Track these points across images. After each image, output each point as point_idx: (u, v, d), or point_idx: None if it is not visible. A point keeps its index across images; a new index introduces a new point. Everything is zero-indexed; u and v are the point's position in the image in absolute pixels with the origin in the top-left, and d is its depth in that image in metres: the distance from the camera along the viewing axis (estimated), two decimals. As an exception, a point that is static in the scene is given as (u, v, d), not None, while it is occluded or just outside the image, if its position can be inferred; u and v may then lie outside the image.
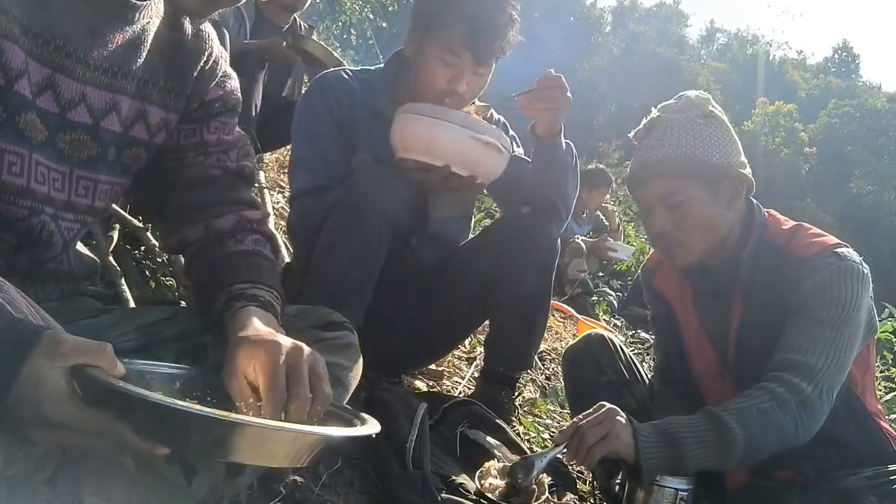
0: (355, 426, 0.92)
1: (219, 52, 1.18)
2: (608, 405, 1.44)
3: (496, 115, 2.05)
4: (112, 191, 1.09)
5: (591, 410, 1.44)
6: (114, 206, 2.06)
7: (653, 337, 1.90)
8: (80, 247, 1.17)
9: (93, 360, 0.72)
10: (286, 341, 0.92)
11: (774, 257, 1.53)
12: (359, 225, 1.68)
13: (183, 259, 1.22)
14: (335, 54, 3.31)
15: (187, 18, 1.11)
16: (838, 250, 1.49)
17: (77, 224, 1.06)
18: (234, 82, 1.22)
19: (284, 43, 3.16)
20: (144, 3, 1.00)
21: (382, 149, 1.77)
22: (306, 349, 0.92)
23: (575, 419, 1.45)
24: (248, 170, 1.22)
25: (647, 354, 3.74)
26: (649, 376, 1.85)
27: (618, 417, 1.40)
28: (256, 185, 1.36)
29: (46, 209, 0.99)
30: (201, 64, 1.14)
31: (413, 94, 1.82)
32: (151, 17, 1.04)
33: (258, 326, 0.97)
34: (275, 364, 0.87)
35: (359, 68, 1.98)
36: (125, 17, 0.99)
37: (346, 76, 1.91)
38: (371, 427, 0.89)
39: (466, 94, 1.80)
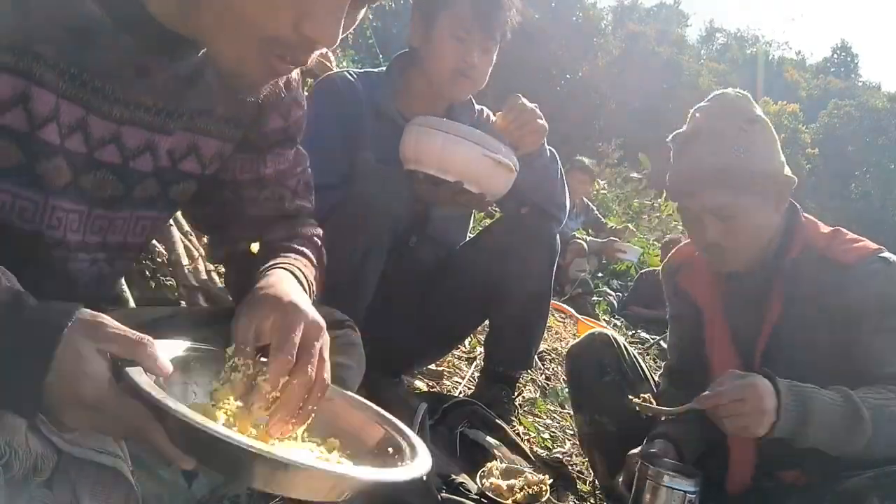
0: (403, 454, 0.86)
1: (290, 76, 1.10)
2: (756, 384, 1.32)
3: (486, 112, 2.06)
4: (152, 225, 1.05)
5: (741, 388, 1.33)
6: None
7: (668, 336, 1.85)
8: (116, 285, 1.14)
9: (130, 353, 0.70)
10: (310, 311, 0.88)
11: (816, 263, 1.50)
12: (361, 225, 1.68)
13: (227, 265, 1.22)
14: (331, 65, 3.32)
15: None
16: (883, 255, 1.46)
17: (107, 262, 1.01)
18: (300, 110, 1.14)
19: None
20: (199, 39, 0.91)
21: (386, 149, 1.77)
22: (324, 330, 0.88)
23: (719, 392, 1.35)
24: (306, 210, 1.19)
25: (647, 354, 3.73)
26: (656, 376, 1.84)
27: (765, 411, 1.30)
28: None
29: (66, 253, 0.95)
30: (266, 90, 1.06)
31: (424, 85, 1.86)
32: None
33: (285, 285, 0.93)
34: (292, 327, 0.84)
35: (362, 70, 1.98)
36: (178, 55, 0.91)
37: (350, 77, 1.92)
38: (420, 464, 0.84)
39: (478, 69, 1.85)
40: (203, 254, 2.04)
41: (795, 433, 1.32)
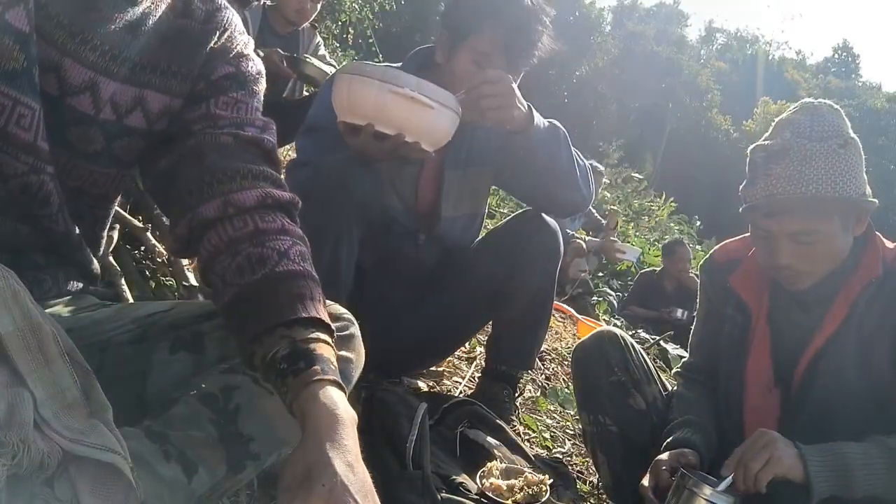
0: None
1: (234, 32, 1.09)
2: (766, 431, 1.39)
3: None
4: (90, 177, 1.03)
5: (750, 439, 1.39)
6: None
7: (693, 333, 1.81)
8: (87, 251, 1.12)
9: None
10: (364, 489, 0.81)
11: (886, 280, 1.47)
12: (325, 214, 1.64)
13: (198, 253, 1.01)
14: (329, 70, 3.32)
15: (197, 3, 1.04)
16: None
17: (74, 187, 1.01)
18: (255, 65, 1.10)
19: (284, 62, 3.19)
20: None
21: None
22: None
23: (736, 450, 1.40)
24: (267, 143, 1.08)
25: (648, 354, 3.73)
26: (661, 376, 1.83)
27: (778, 441, 1.35)
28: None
29: (48, 168, 0.95)
30: (211, 44, 1.06)
31: None
32: (156, 2, 0.99)
33: (336, 450, 0.83)
34: None
35: (383, 63, 1.93)
36: (131, 1, 0.94)
37: None
38: None
39: None
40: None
41: (842, 490, 1.34)
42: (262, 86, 1.11)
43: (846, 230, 1.45)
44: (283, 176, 1.61)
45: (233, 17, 1.10)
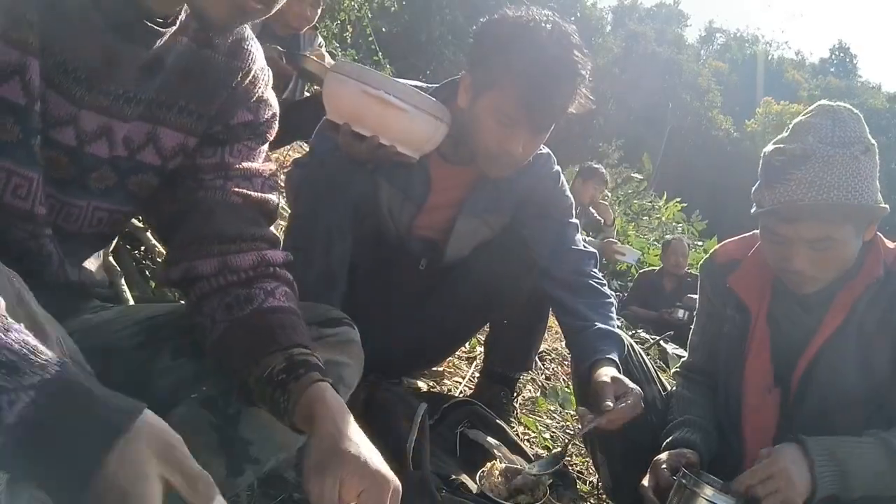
0: None
1: (258, 74, 1.07)
2: (780, 462, 1.34)
3: (555, 168, 1.90)
4: (109, 218, 1.02)
5: (765, 469, 1.35)
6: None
7: (692, 333, 1.80)
8: (91, 263, 1.11)
9: (188, 493, 0.64)
10: (390, 475, 0.88)
11: (887, 280, 1.47)
12: (316, 215, 1.64)
13: (187, 295, 1.06)
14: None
15: (219, 34, 1.01)
16: None
17: (58, 242, 1.00)
18: (272, 111, 1.10)
19: (283, 58, 3.18)
20: (168, 30, 0.93)
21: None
22: (396, 486, 0.89)
23: (746, 475, 1.37)
24: (272, 204, 1.10)
25: (648, 354, 3.73)
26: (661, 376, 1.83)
27: (795, 483, 1.32)
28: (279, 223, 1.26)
29: (46, 230, 0.95)
30: (234, 84, 1.04)
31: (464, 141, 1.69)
32: (175, 37, 0.96)
33: (351, 431, 0.88)
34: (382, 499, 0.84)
35: (413, 83, 1.78)
36: (146, 43, 0.92)
37: None
38: None
39: (522, 155, 1.65)
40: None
41: (841, 491, 1.33)
42: (275, 129, 1.12)
43: (858, 236, 1.45)
44: (283, 177, 1.60)
45: (257, 53, 1.07)
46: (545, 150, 1.83)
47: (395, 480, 0.88)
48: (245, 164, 1.07)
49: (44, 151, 0.90)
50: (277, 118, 1.12)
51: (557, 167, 1.89)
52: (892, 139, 29.85)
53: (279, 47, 3.24)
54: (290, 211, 1.80)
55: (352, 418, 0.90)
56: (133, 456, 0.60)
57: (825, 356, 1.49)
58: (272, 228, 1.12)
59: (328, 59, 3.48)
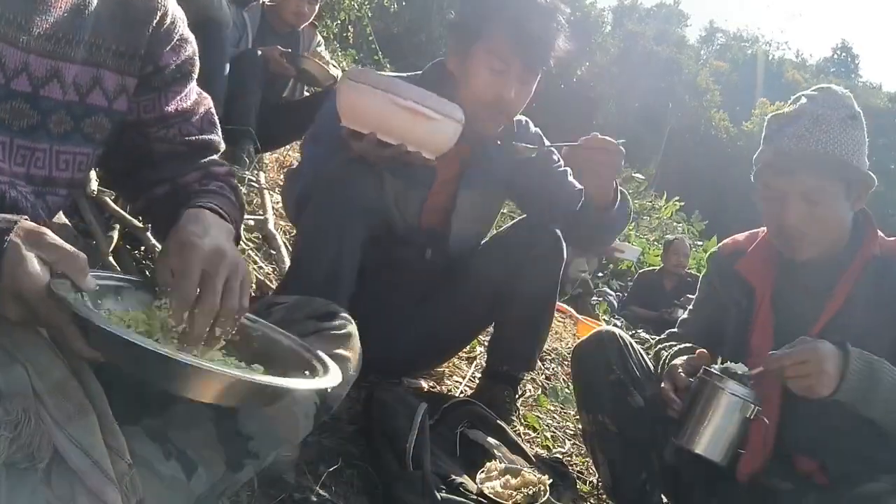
0: (315, 374, 0.93)
1: (175, 13, 1.15)
2: (818, 351, 1.38)
3: (533, 129, 1.99)
4: (74, 161, 1.07)
5: (801, 352, 1.39)
6: (108, 200, 2.06)
7: (686, 313, 1.87)
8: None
9: (65, 265, 0.79)
10: (207, 245, 0.95)
11: (888, 263, 1.53)
12: (328, 214, 1.66)
13: (148, 216, 1.26)
14: (331, 70, 3.32)
15: None
16: None
17: (36, 195, 1.04)
18: (192, 47, 1.19)
19: (283, 57, 3.19)
20: None
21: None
22: (229, 256, 0.95)
23: (782, 356, 1.41)
24: (213, 143, 1.22)
25: (648, 354, 3.73)
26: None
27: (825, 372, 1.35)
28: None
29: (18, 182, 0.99)
30: (154, 24, 1.11)
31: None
32: None
33: (190, 226, 0.99)
34: (189, 263, 0.92)
35: (394, 74, 1.89)
36: None
37: None
38: (321, 382, 0.91)
39: (515, 102, 1.75)
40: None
41: (861, 398, 1.37)
42: (198, 65, 1.21)
43: (848, 199, 1.53)
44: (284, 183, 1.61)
45: None
46: (524, 118, 1.94)
47: (212, 247, 0.95)
48: (181, 107, 1.17)
49: (6, 103, 0.96)
50: (197, 54, 1.20)
51: (536, 128, 1.97)
52: (892, 140, 29.86)
53: (279, 46, 3.24)
54: (288, 221, 1.81)
55: (210, 219, 1.01)
56: (11, 252, 0.77)
57: (828, 335, 1.50)
58: (215, 157, 1.23)
59: (327, 57, 3.48)
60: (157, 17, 1.11)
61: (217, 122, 1.25)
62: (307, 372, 0.94)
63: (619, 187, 1.80)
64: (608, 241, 1.94)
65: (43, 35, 0.97)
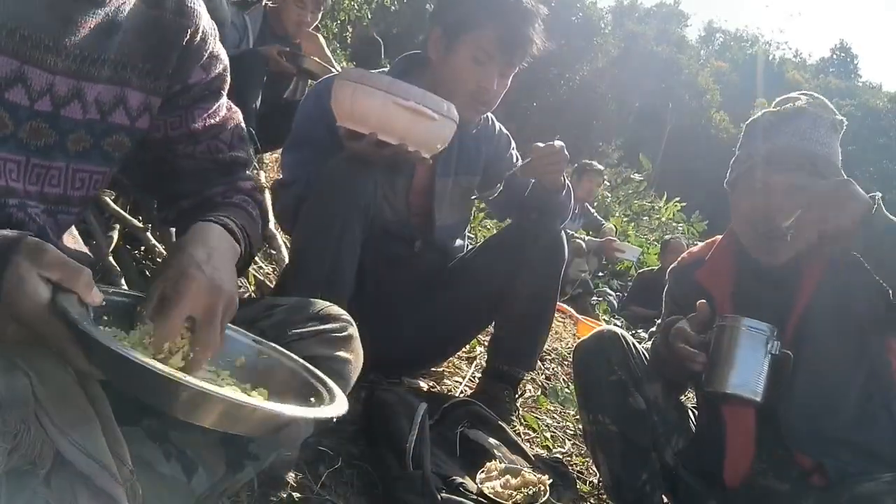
0: (322, 401, 0.90)
1: (207, 29, 1.13)
2: (850, 182, 1.33)
3: (498, 126, 2.09)
4: (90, 179, 1.06)
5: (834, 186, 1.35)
6: (108, 200, 2.06)
7: (656, 333, 1.81)
8: (73, 244, 1.13)
9: (69, 282, 0.77)
10: (205, 280, 0.92)
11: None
12: (328, 213, 1.67)
13: (176, 226, 1.24)
14: (333, 69, 3.32)
15: None
16: None
17: (48, 214, 1.03)
18: (223, 64, 1.17)
19: (283, 57, 3.19)
20: None
21: None
22: (225, 293, 0.93)
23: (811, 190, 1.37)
24: (242, 159, 1.20)
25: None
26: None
27: (852, 202, 1.30)
28: (255, 170, 1.36)
29: (10, 200, 0.97)
30: (184, 42, 1.09)
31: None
32: None
33: (193, 248, 0.97)
34: (179, 300, 0.90)
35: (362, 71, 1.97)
36: (96, 1, 0.96)
37: None
38: (329, 410, 0.87)
39: (494, 94, 1.86)
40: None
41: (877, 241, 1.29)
42: (228, 81, 1.20)
43: None
44: (269, 193, 1.62)
45: (201, 10, 1.12)
46: (490, 116, 2.08)
47: (230, 291, 0.95)
48: (209, 123, 1.15)
49: (26, 123, 0.95)
50: (229, 70, 1.19)
51: (499, 124, 2.12)
52: (892, 139, 29.86)
53: (280, 46, 3.24)
54: (284, 232, 1.83)
55: (212, 236, 1.00)
56: (11, 272, 0.75)
57: (807, 324, 1.52)
58: (247, 172, 1.22)
59: (324, 45, 3.48)
60: (188, 36, 1.09)
61: (246, 136, 1.24)
62: (312, 399, 0.91)
63: (566, 179, 1.98)
64: (565, 216, 2.06)
65: (69, 55, 0.96)
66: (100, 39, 0.98)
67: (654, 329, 1.90)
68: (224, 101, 1.19)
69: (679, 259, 1.83)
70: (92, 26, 0.97)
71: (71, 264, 0.79)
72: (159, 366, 0.74)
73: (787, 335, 1.52)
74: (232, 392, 0.82)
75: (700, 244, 1.81)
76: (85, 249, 1.19)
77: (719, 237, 1.74)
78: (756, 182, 1.56)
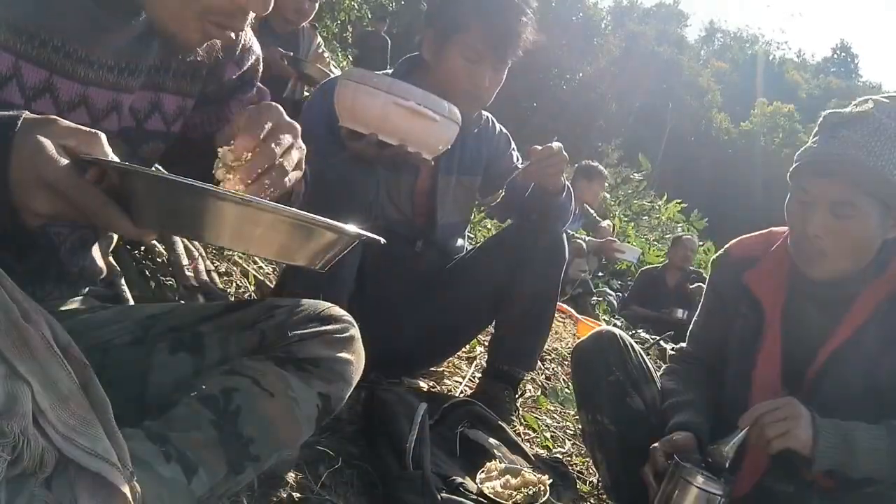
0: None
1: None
2: (794, 403, 1.37)
3: (498, 126, 2.11)
4: None
5: (776, 402, 1.39)
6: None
7: (693, 324, 1.80)
8: (96, 253, 1.13)
9: (87, 146, 0.75)
10: (282, 111, 0.93)
11: None
12: (328, 213, 1.67)
13: None
14: (329, 72, 3.33)
15: None
16: None
17: (70, 229, 1.02)
18: (255, 55, 1.17)
19: (286, 61, 3.20)
20: None
21: None
22: (298, 132, 0.94)
23: (757, 407, 1.40)
24: None
25: (648, 354, 3.72)
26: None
27: (801, 419, 1.35)
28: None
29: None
30: (218, 42, 1.09)
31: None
32: None
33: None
34: (262, 115, 0.90)
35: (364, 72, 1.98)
36: (131, 11, 0.95)
37: None
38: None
39: (488, 90, 1.88)
40: (203, 253, 2.04)
41: (842, 465, 1.35)
42: (261, 69, 1.20)
43: (882, 225, 1.40)
44: None
45: None
46: (487, 114, 2.11)
47: (286, 118, 0.94)
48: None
49: None
50: (261, 58, 1.19)
51: (499, 125, 2.15)
52: (892, 139, 29.79)
53: (280, 49, 3.25)
54: None
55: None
56: (27, 141, 0.72)
57: (839, 359, 1.46)
58: None
59: (328, 60, 3.49)
60: None
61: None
62: None
63: (566, 182, 1.99)
64: (566, 219, 2.08)
65: (105, 66, 0.95)
66: (136, 48, 0.98)
67: (678, 354, 1.86)
68: (258, 86, 1.20)
69: (729, 248, 1.71)
70: (127, 36, 0.96)
71: (83, 129, 0.76)
72: (209, 186, 0.71)
73: (815, 366, 1.48)
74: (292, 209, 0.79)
75: (757, 234, 1.67)
76: (99, 260, 1.17)
77: (776, 230, 1.60)
78: (794, 188, 1.46)
